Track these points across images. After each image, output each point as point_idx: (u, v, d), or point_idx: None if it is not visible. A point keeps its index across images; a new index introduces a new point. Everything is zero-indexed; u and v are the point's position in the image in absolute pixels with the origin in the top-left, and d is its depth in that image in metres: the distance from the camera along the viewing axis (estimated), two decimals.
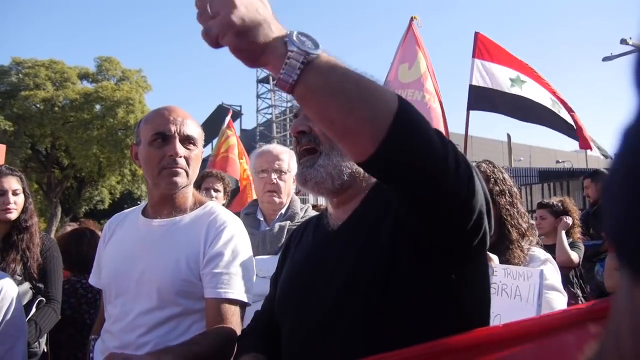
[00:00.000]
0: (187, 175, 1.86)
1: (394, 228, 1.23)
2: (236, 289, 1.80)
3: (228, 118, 7.42)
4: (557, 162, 41.05)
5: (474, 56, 5.46)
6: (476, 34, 5.54)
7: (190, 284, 1.79)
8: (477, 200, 1.06)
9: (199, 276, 1.80)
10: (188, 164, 1.86)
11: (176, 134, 1.83)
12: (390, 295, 1.20)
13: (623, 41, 19.92)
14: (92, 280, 2.12)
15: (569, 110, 5.44)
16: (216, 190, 3.96)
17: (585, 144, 5.45)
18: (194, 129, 1.89)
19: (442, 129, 5.02)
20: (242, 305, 1.83)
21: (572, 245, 4.47)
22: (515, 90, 5.22)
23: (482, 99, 5.23)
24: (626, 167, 0.39)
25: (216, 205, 1.99)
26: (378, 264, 1.23)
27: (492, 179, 2.41)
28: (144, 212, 1.99)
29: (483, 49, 5.42)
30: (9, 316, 2.02)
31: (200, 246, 1.82)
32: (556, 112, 5.33)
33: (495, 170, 2.49)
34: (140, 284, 1.82)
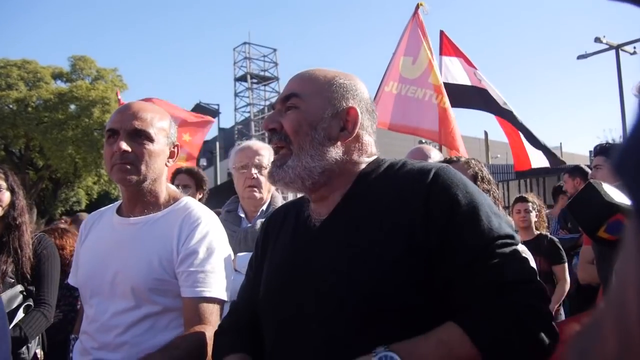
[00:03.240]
0: (139, 170, 1.80)
1: (405, 239, 1.22)
2: (213, 287, 1.77)
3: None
4: None
5: (441, 54, 5.48)
6: (441, 32, 5.56)
7: (165, 282, 1.77)
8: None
9: (174, 274, 1.78)
10: (140, 159, 1.80)
11: (122, 130, 1.79)
12: (389, 297, 1.20)
13: (597, 39, 20.32)
14: (71, 280, 2.08)
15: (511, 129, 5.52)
16: (185, 187, 3.91)
17: (521, 165, 5.69)
18: (149, 122, 1.82)
19: (451, 128, 4.92)
20: (220, 303, 1.81)
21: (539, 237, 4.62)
22: (482, 84, 5.28)
23: (456, 96, 5.25)
24: None
25: (191, 200, 1.96)
26: (377, 266, 1.21)
27: (479, 177, 2.49)
28: (119, 211, 1.96)
29: (448, 45, 5.45)
30: None
31: (174, 244, 1.79)
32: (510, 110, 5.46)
33: (483, 169, 2.58)
34: (114, 284, 1.79)
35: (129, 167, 1.79)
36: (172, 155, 1.94)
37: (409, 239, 1.21)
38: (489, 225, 1.20)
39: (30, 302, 2.66)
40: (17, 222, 2.71)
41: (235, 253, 2.53)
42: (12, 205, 2.74)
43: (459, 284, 1.18)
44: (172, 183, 3.81)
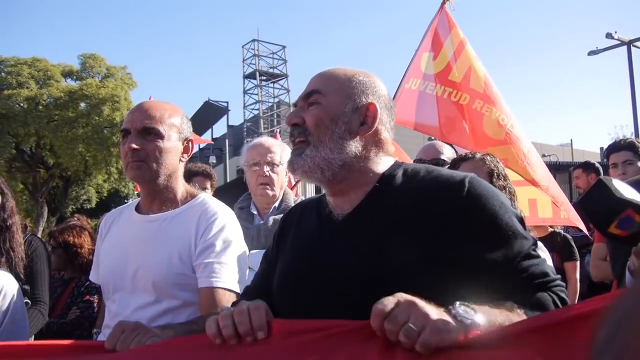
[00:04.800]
0: (151, 167, 1.84)
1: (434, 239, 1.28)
2: (227, 278, 1.82)
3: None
4: (543, 155, 41.29)
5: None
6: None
7: (185, 277, 1.82)
8: None
9: (193, 269, 1.83)
10: (151, 156, 1.84)
11: (133, 129, 1.84)
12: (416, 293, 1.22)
13: (609, 35, 20.13)
14: (93, 276, 2.14)
15: None
16: (204, 189, 3.92)
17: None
18: (158, 120, 1.86)
19: (468, 127, 4.71)
20: (235, 294, 1.85)
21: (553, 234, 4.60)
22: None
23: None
24: None
25: (207, 196, 2.00)
26: (401, 262, 1.26)
27: (495, 174, 2.45)
28: (137, 208, 2.01)
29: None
30: (9, 313, 1.99)
31: (192, 239, 1.84)
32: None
33: (499, 165, 2.54)
34: (135, 280, 1.85)
35: (140, 164, 1.84)
36: (186, 150, 1.97)
37: (437, 243, 1.27)
38: (523, 234, 1.31)
39: (28, 301, 2.74)
40: (8, 224, 2.76)
41: (248, 250, 2.55)
42: (2, 207, 2.75)
43: (503, 286, 1.26)
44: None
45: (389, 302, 1.06)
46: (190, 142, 1.99)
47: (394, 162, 1.48)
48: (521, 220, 1.34)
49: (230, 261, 1.85)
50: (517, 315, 1.18)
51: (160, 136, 1.86)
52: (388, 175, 1.43)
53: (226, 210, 1.95)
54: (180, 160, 1.94)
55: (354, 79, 1.45)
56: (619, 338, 0.47)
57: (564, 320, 1.06)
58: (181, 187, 1.97)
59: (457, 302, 1.12)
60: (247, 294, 1.62)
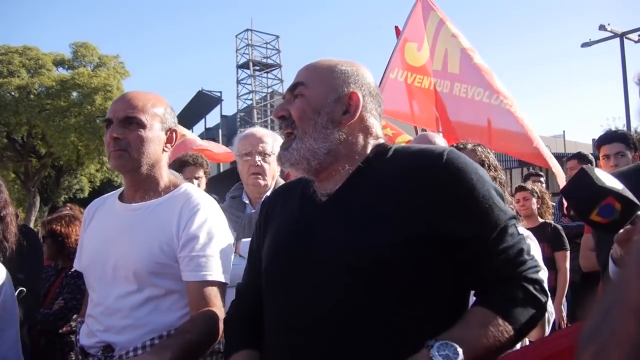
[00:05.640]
0: (132, 156, 1.85)
1: (417, 223, 1.31)
2: (214, 271, 1.83)
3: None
4: None
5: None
6: (396, 27, 5.24)
7: (166, 266, 1.83)
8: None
9: (175, 258, 1.83)
10: (132, 145, 1.85)
11: (115, 119, 1.86)
12: (396, 268, 1.29)
13: (602, 27, 20.16)
14: (76, 265, 2.14)
15: None
16: (197, 178, 3.92)
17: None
18: (141, 109, 1.87)
19: (461, 116, 4.69)
20: (222, 286, 1.87)
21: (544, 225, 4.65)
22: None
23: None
24: None
25: (190, 186, 2.01)
26: (386, 238, 1.30)
27: (486, 164, 2.48)
28: (121, 197, 2.02)
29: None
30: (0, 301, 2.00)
31: (174, 228, 1.84)
32: None
33: (490, 156, 2.56)
34: (116, 268, 1.85)
35: (122, 153, 1.84)
36: (169, 140, 1.97)
37: (419, 217, 1.31)
38: (501, 207, 1.34)
39: (22, 289, 2.77)
40: (2, 215, 2.78)
41: (239, 238, 2.57)
42: None
43: (479, 261, 1.32)
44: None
45: None
46: (174, 133, 1.99)
47: (380, 144, 1.51)
48: (500, 196, 1.38)
49: (216, 252, 1.85)
50: (494, 326, 1.25)
51: (142, 125, 1.86)
52: (372, 157, 1.47)
53: (209, 200, 1.96)
54: (163, 150, 1.95)
55: (335, 69, 1.49)
56: (605, 327, 0.48)
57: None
58: (164, 176, 1.97)
59: (435, 344, 1.18)
60: (243, 295, 1.65)
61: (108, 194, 2.18)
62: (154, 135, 1.89)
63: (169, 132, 1.96)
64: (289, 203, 1.57)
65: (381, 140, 1.52)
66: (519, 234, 1.37)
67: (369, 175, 1.43)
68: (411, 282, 1.29)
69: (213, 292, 1.81)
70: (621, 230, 1.34)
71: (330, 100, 1.45)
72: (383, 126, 1.57)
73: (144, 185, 1.93)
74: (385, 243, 1.29)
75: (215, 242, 1.86)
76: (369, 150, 1.48)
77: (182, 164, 3.96)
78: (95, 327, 1.87)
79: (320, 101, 1.45)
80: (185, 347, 1.65)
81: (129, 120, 1.85)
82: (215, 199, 2.08)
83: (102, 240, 1.93)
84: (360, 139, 1.47)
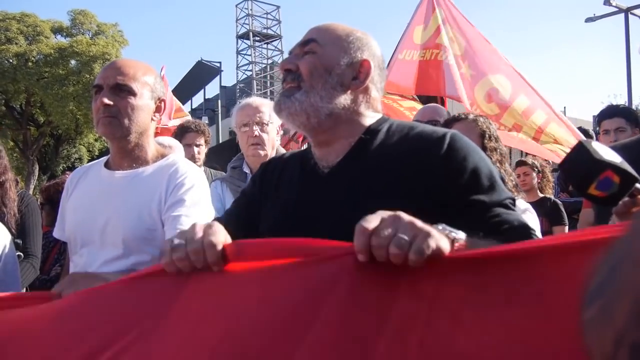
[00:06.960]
0: (123, 123, 1.85)
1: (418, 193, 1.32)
2: None
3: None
4: None
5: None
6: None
7: (154, 232, 1.84)
8: None
9: (162, 223, 1.85)
10: (123, 112, 1.84)
11: (105, 85, 1.84)
12: None
13: (607, 2, 19.90)
14: (57, 233, 2.13)
15: None
16: (198, 145, 3.91)
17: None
18: (132, 77, 1.86)
19: (458, 87, 4.74)
20: None
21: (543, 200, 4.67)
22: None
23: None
24: None
25: (178, 157, 2.02)
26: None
27: (487, 135, 2.48)
28: (107, 165, 2.02)
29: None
30: (1, 263, 2.02)
31: (162, 195, 1.86)
32: None
33: (491, 127, 2.56)
34: (104, 233, 1.86)
35: (112, 120, 1.84)
36: (158, 109, 1.98)
37: (424, 192, 1.32)
38: (501, 187, 1.37)
39: (21, 254, 2.80)
40: (1, 180, 2.81)
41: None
42: None
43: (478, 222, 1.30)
44: (180, 141, 3.72)
45: (372, 218, 1.03)
46: (162, 102, 1.99)
47: (381, 117, 1.52)
48: (501, 178, 1.40)
49: (199, 217, 1.83)
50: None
51: (133, 93, 1.86)
52: (374, 129, 1.46)
53: (196, 170, 1.97)
54: (152, 119, 1.95)
55: (351, 35, 1.49)
56: (611, 282, 0.48)
57: (559, 246, 1.00)
58: (152, 146, 1.98)
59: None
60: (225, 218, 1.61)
61: (90, 163, 2.18)
62: (144, 104, 1.89)
63: (157, 102, 1.96)
64: (288, 173, 1.56)
65: (380, 115, 1.52)
66: (515, 211, 1.38)
67: (371, 148, 1.43)
68: None
69: None
70: (620, 203, 1.34)
71: (343, 63, 1.44)
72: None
73: (132, 154, 1.93)
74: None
75: (199, 209, 1.88)
76: (368, 120, 1.48)
77: (184, 130, 3.96)
78: None
79: (332, 61, 1.44)
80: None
81: (120, 88, 1.85)
82: (216, 168, 2.08)
83: (88, 205, 1.93)
84: (362, 108, 1.47)
